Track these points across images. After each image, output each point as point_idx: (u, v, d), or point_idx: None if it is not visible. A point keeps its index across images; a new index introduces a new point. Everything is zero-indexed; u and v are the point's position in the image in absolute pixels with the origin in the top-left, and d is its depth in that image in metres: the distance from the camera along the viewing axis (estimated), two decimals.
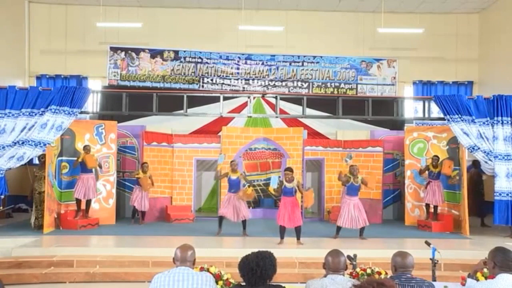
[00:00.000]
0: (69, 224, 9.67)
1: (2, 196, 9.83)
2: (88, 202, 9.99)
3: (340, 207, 9.33)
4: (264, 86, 14.09)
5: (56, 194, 9.82)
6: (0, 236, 8.69)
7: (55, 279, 6.96)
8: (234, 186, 9.28)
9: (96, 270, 7.14)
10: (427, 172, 10.26)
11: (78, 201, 9.88)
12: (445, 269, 7.00)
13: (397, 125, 12.48)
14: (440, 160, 10.27)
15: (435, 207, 10.21)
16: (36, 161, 10.95)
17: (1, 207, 10.90)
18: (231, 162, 9.63)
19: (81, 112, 10.06)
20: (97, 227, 9.94)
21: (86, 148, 9.91)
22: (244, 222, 9.23)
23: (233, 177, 9.28)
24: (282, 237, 8.50)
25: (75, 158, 9.95)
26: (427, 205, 10.38)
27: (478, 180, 11.35)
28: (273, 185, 8.90)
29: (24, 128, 8.99)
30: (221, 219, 9.27)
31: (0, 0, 12.63)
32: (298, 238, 8.52)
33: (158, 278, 3.40)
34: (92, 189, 9.89)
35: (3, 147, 8.86)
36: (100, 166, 10.20)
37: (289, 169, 8.71)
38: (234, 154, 11.61)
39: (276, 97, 11.15)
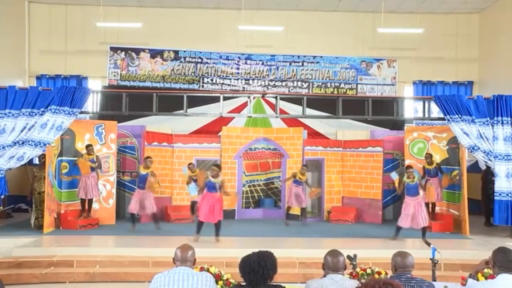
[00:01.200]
0: (69, 224, 9.67)
1: (2, 196, 9.83)
2: (90, 202, 10.01)
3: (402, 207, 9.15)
4: (264, 86, 14.09)
5: (56, 194, 9.82)
6: (0, 236, 8.69)
7: (55, 279, 6.96)
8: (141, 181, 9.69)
9: (96, 270, 7.14)
10: (424, 170, 10.30)
11: (83, 201, 9.89)
12: (445, 269, 6.99)
13: (397, 125, 12.49)
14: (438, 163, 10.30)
15: (433, 205, 10.22)
16: (36, 161, 10.95)
17: (2, 207, 10.90)
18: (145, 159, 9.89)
19: (81, 112, 10.05)
20: (97, 227, 9.94)
21: (88, 148, 9.92)
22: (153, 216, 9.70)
23: (143, 172, 9.71)
24: (198, 232, 8.53)
25: (76, 158, 9.99)
26: (427, 204, 10.38)
27: (489, 179, 11.26)
28: (193, 193, 9.28)
29: (24, 128, 8.99)
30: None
31: (0, 0, 12.63)
32: (216, 235, 8.56)
33: (158, 278, 3.40)
34: (93, 188, 9.90)
35: (3, 147, 8.86)
36: (100, 167, 10.18)
37: (217, 166, 9.01)
38: (234, 154, 11.63)
39: (276, 97, 11.15)
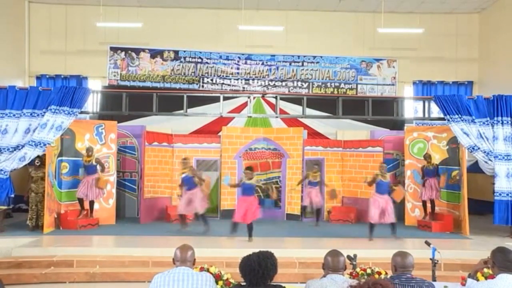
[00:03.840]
0: (69, 224, 9.67)
1: (12, 195, 9.85)
2: (92, 203, 10.02)
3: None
4: (264, 86, 14.09)
5: (56, 194, 9.82)
6: (0, 236, 8.69)
7: (55, 279, 6.96)
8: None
9: (96, 270, 7.14)
10: (424, 170, 10.35)
11: (81, 201, 9.89)
12: (445, 269, 6.98)
13: (397, 125, 12.49)
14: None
15: (432, 204, 10.22)
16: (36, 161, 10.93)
17: (10, 206, 10.92)
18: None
19: (81, 112, 10.07)
20: (97, 227, 9.94)
21: (89, 150, 9.92)
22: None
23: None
24: (232, 232, 8.91)
25: (81, 159, 10.05)
26: (424, 203, 10.40)
27: None
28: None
29: (28, 130, 9.04)
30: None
31: (0, 0, 12.63)
32: (249, 236, 8.74)
33: (158, 278, 3.40)
34: (94, 190, 9.92)
35: (8, 149, 8.90)
36: (103, 169, 10.17)
37: (249, 168, 9.27)
38: (234, 154, 11.62)
39: (276, 97, 11.16)
